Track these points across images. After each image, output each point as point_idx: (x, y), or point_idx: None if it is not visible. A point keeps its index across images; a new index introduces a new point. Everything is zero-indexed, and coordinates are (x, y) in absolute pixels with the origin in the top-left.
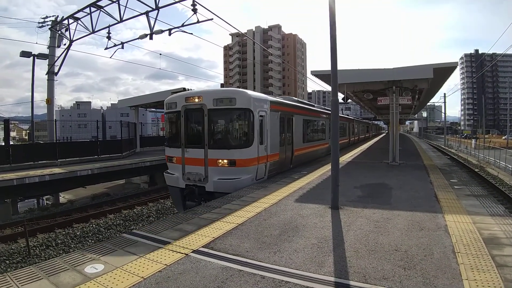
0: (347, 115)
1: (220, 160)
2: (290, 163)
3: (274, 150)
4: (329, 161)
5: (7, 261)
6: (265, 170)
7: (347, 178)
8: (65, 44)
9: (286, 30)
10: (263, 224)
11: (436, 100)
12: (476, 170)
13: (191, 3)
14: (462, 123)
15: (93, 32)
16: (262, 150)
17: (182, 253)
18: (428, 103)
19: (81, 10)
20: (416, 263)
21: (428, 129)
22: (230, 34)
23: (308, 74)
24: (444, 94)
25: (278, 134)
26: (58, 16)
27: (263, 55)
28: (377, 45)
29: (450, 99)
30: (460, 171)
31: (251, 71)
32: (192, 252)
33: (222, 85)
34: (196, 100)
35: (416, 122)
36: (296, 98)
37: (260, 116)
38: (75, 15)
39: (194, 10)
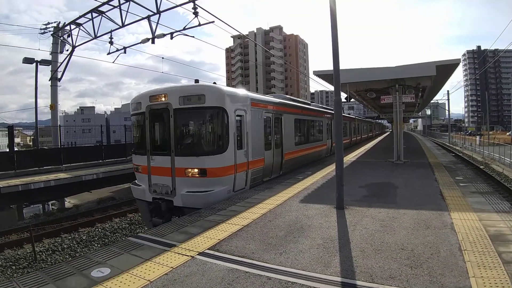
0: (349, 114)
1: (190, 169)
2: (280, 169)
3: (257, 155)
4: (333, 161)
5: (14, 267)
6: (246, 179)
7: (352, 178)
8: (67, 50)
9: (287, 31)
10: (269, 225)
11: (439, 97)
12: (481, 167)
13: (192, 6)
14: (466, 120)
15: (95, 37)
16: (241, 156)
17: (188, 256)
18: (432, 101)
19: (83, 15)
20: (422, 262)
21: (432, 127)
22: (231, 36)
23: (311, 75)
24: (448, 91)
25: (263, 137)
26: (60, 22)
27: (265, 56)
28: (378, 45)
29: (454, 96)
30: (465, 168)
31: (254, 72)
32: (198, 254)
33: (196, 81)
34: (162, 99)
35: (420, 120)
36: (288, 96)
37: (238, 115)
38: (77, 21)
39: (195, 13)
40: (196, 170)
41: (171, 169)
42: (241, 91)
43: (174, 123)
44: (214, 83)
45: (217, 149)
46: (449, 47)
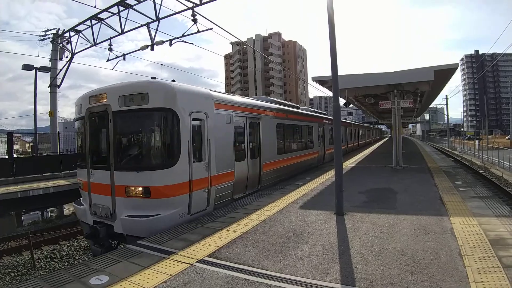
0: (345, 119)
1: (131, 188)
2: (258, 182)
3: (224, 168)
4: (331, 167)
5: (12, 274)
6: (208, 198)
7: (351, 184)
8: (67, 57)
9: (286, 37)
10: (268, 232)
11: (438, 102)
12: (480, 171)
13: (191, 13)
14: (465, 124)
15: (95, 44)
16: (200, 169)
17: (187, 263)
18: (430, 106)
19: (82, 22)
20: (423, 267)
21: (431, 132)
22: (230, 43)
23: (309, 81)
24: (446, 96)
25: (232, 145)
26: (59, 29)
27: (263, 62)
28: (377, 49)
29: (452, 101)
30: (465, 173)
31: (252, 79)
32: (197, 262)
33: (152, 78)
34: (104, 100)
35: (418, 125)
36: (272, 98)
37: (196, 119)
38: (76, 28)
39: (194, 21)
40: (139, 189)
41: (111, 187)
42: (201, 89)
43: (114, 129)
44: (173, 80)
45: (164, 162)
46: (447, 51)
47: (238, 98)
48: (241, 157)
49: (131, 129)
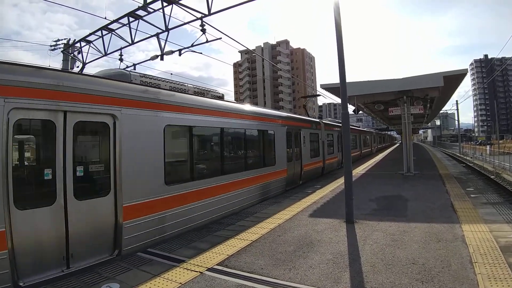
0: (320, 118)
1: None
2: None
3: None
4: (341, 174)
5: None
6: None
7: (362, 191)
8: (78, 67)
9: (294, 44)
10: (278, 240)
11: (448, 107)
12: (492, 177)
13: (200, 23)
14: (476, 129)
15: (106, 54)
16: None
17: (197, 272)
18: (441, 111)
19: (93, 33)
20: (433, 276)
21: (442, 137)
22: (239, 51)
23: (318, 88)
24: (456, 101)
25: None
26: (69, 39)
27: (272, 70)
28: (384, 57)
29: (463, 106)
30: (476, 179)
31: (261, 87)
32: (206, 270)
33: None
34: None
35: (429, 130)
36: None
37: None
38: (87, 38)
39: (203, 30)
40: None
41: None
42: None
43: None
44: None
45: None
46: (454, 57)
47: None
48: None
49: None
